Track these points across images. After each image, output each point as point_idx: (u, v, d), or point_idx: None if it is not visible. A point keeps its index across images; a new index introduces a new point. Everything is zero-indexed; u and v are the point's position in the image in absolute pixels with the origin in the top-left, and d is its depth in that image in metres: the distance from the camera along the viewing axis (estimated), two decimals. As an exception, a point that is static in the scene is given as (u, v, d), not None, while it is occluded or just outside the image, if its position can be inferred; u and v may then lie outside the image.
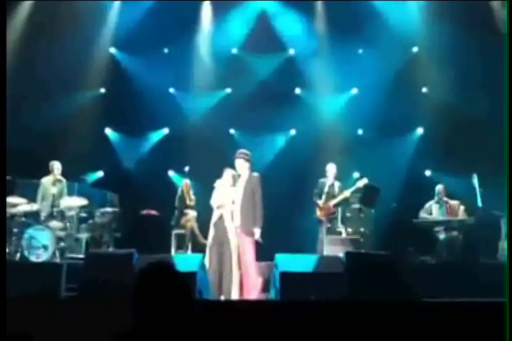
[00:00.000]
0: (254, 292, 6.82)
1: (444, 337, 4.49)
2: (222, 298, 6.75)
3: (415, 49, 11.51)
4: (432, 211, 9.38)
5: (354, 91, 11.66)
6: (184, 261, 6.71)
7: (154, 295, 2.21)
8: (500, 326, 4.21)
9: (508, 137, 5.14)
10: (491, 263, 8.36)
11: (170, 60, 11.45)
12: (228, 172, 7.26)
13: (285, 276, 6.55)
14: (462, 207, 9.27)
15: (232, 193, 7.14)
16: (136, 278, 2.28)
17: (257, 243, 6.96)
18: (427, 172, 11.17)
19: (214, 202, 7.16)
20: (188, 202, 9.32)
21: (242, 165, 7.15)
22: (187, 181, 9.63)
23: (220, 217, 7.05)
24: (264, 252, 7.37)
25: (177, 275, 2.30)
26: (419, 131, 11.47)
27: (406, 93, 11.09)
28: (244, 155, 7.21)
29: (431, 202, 9.46)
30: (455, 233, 9.03)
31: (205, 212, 8.06)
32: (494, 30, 10.59)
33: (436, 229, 9.12)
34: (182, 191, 9.44)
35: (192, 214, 9.34)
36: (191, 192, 9.44)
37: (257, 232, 6.85)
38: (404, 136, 11.44)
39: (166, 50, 11.60)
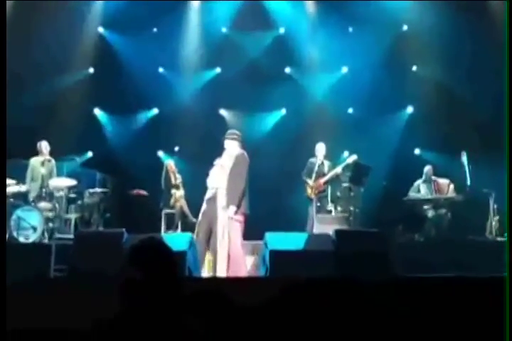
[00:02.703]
0: (241, 271, 6.83)
1: (435, 313, 4.53)
2: (211, 275, 6.78)
3: (405, 27, 11.44)
4: (420, 189, 9.44)
5: (344, 69, 11.61)
6: (173, 240, 6.66)
7: (143, 269, 2.20)
8: (492, 300, 4.24)
9: (508, 136, 5.13)
10: (480, 240, 8.44)
11: (159, 39, 11.33)
12: (225, 153, 7.23)
13: (275, 254, 6.57)
14: (451, 185, 9.32)
15: (224, 173, 7.11)
16: (126, 254, 2.27)
17: (246, 222, 6.94)
18: (417, 151, 11.20)
19: (208, 183, 7.14)
20: (173, 181, 9.36)
21: (231, 145, 7.10)
22: (170, 161, 9.80)
23: (213, 195, 7.02)
24: (254, 231, 7.38)
25: (167, 250, 2.30)
26: (409, 109, 11.47)
27: (396, 71, 11.06)
28: (231, 135, 7.16)
29: (419, 181, 9.52)
30: (443, 211, 9.11)
31: (194, 191, 8.06)
32: (484, 9, 10.55)
33: (425, 207, 9.19)
34: (166, 171, 9.50)
35: (179, 193, 9.40)
36: (176, 171, 9.48)
37: (231, 210, 6.76)
38: (394, 115, 11.44)
39: (155, 30, 11.46)
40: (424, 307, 4.55)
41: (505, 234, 7.88)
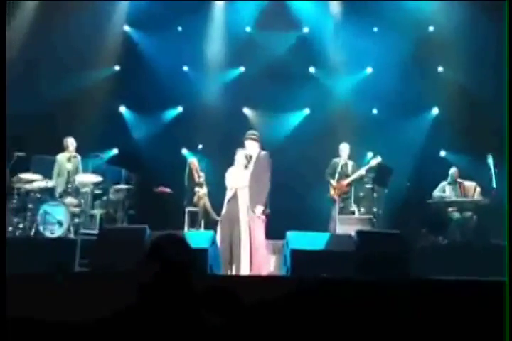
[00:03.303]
0: (264, 269, 6.87)
1: (452, 315, 4.51)
2: (233, 274, 6.82)
3: (431, 28, 11.34)
4: (446, 191, 9.35)
5: (369, 70, 11.55)
6: (196, 237, 6.75)
7: (162, 264, 2.23)
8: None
9: (508, 136, 5.08)
10: (503, 244, 8.33)
11: (184, 38, 11.39)
12: (241, 153, 7.28)
13: (296, 254, 6.58)
14: (477, 188, 9.21)
15: (245, 173, 7.17)
16: (147, 249, 2.31)
17: (268, 221, 6.98)
18: (442, 153, 11.09)
19: (228, 183, 7.21)
20: (196, 179, 9.45)
21: (251, 146, 7.19)
22: (193, 159, 9.90)
23: (234, 195, 7.10)
24: (276, 230, 7.39)
25: (186, 246, 2.33)
26: (435, 110, 11.37)
27: (421, 72, 10.97)
28: (252, 135, 7.24)
29: (444, 183, 9.42)
30: (469, 214, 8.99)
31: (218, 189, 8.11)
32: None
33: (450, 209, 9.09)
34: (190, 169, 9.58)
35: (203, 191, 9.48)
36: (199, 169, 9.57)
37: (259, 209, 6.85)
38: (419, 116, 11.33)
39: (179, 28, 11.53)
40: (440, 309, 4.54)
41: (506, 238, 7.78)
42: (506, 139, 5.15)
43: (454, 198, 9.22)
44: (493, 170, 8.88)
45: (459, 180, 9.39)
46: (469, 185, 9.28)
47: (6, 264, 4.56)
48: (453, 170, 9.46)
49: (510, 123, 5.10)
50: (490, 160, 8.98)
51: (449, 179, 9.41)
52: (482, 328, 4.22)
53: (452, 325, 4.35)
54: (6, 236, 7.02)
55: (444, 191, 9.35)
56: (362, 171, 9.03)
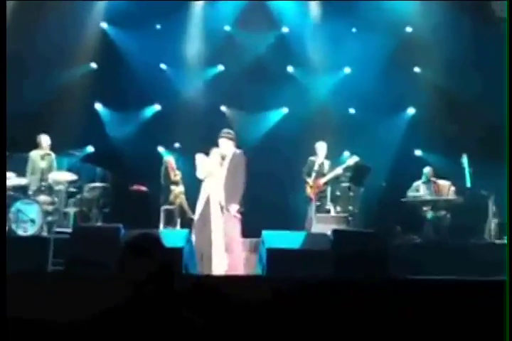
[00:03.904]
0: (239, 269, 6.85)
1: (429, 314, 4.54)
2: (208, 273, 6.79)
3: (409, 29, 11.43)
4: (420, 190, 9.44)
5: (347, 70, 11.61)
6: (171, 236, 6.70)
7: (138, 266, 2.20)
8: (489, 303, 4.25)
9: (508, 137, 5.13)
10: (478, 243, 8.44)
11: (162, 35, 11.33)
12: (215, 152, 7.26)
13: (272, 252, 6.56)
14: (451, 187, 9.32)
15: (219, 172, 7.14)
16: (121, 250, 2.27)
17: (243, 220, 6.97)
18: (417, 152, 11.19)
19: (199, 173, 7.16)
20: (173, 177, 9.41)
21: (226, 144, 7.17)
22: (170, 157, 9.88)
23: (207, 194, 7.07)
24: (252, 229, 7.39)
25: (160, 246, 2.30)
26: (411, 110, 11.47)
27: (398, 72, 11.03)
28: (227, 134, 7.23)
29: (418, 182, 9.52)
30: (443, 212, 9.10)
31: (194, 187, 8.07)
32: (488, 12, 10.52)
33: (424, 208, 9.18)
34: (166, 168, 9.56)
35: (179, 189, 9.45)
36: (175, 168, 9.53)
37: (234, 208, 6.85)
38: (396, 116, 11.43)
39: (158, 26, 11.47)
40: (418, 309, 4.56)
41: (505, 237, 7.89)
42: (506, 139, 5.20)
43: (428, 197, 9.30)
44: (467, 170, 8.99)
45: (433, 179, 9.50)
46: (443, 183, 9.38)
47: (5, 264, 4.50)
48: (427, 170, 9.56)
49: (510, 123, 5.14)
50: (464, 160, 9.09)
51: (423, 178, 9.52)
52: (476, 330, 4.24)
53: (438, 327, 4.36)
54: (5, 236, 6.92)
55: (418, 190, 9.44)
56: (339, 170, 9.05)
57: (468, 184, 8.94)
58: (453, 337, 4.33)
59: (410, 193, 9.43)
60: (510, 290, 3.87)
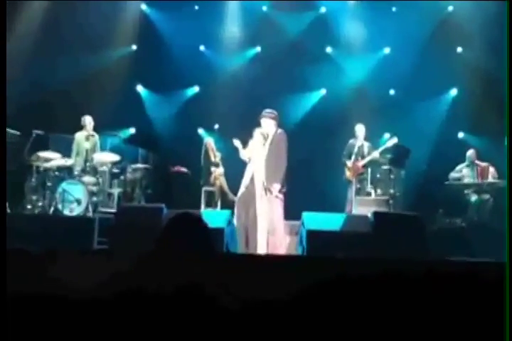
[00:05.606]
0: (280, 249, 6.88)
1: (467, 294, 4.51)
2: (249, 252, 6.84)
3: (450, 8, 11.15)
4: (463, 173, 9.31)
5: (387, 50, 11.41)
6: (212, 217, 6.75)
7: (178, 241, 2.24)
8: None
9: (509, 136, 5.04)
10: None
11: (200, 17, 11.31)
12: (257, 132, 7.24)
13: (312, 234, 6.58)
14: (494, 170, 9.17)
15: (261, 152, 7.12)
16: (163, 228, 2.31)
17: (285, 201, 6.96)
18: (460, 135, 10.99)
19: (243, 155, 7.16)
20: (213, 159, 9.48)
21: (268, 123, 7.10)
22: (210, 139, 9.94)
23: (251, 175, 7.04)
24: (292, 211, 7.38)
25: (203, 224, 2.34)
26: (453, 92, 11.22)
27: (440, 53, 10.82)
28: (269, 113, 7.14)
29: (462, 165, 9.38)
30: (486, 196, 8.96)
31: (234, 169, 8.12)
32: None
33: (467, 191, 9.06)
34: (206, 150, 9.63)
35: (219, 171, 9.50)
36: (215, 149, 9.59)
37: (276, 187, 6.77)
38: (437, 97, 11.20)
39: (196, 7, 11.46)
40: (458, 289, 4.53)
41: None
42: (506, 139, 5.12)
43: (470, 180, 9.18)
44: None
45: (476, 161, 9.34)
46: (486, 166, 9.23)
47: (6, 264, 4.63)
48: (470, 152, 9.41)
49: (510, 123, 5.07)
50: (506, 143, 8.91)
51: (466, 161, 9.37)
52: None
53: (475, 305, 4.34)
54: (6, 236, 7.09)
55: (461, 173, 9.31)
56: (376, 154, 8.96)
57: None
58: (497, 316, 4.30)
59: (453, 176, 9.31)
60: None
